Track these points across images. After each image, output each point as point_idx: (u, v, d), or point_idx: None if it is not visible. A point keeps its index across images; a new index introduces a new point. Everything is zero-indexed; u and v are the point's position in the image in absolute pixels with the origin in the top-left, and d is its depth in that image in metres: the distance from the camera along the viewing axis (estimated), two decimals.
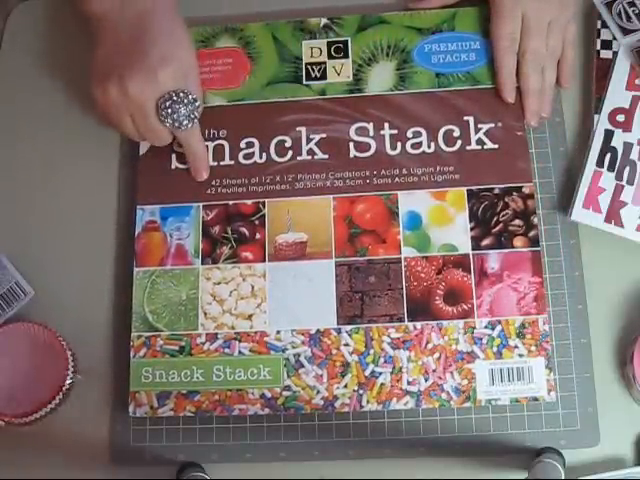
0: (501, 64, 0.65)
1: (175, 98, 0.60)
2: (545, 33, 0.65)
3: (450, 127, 0.65)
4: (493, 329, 0.60)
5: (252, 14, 0.71)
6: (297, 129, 0.66)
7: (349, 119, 0.66)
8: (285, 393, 0.61)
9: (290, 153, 0.66)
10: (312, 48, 0.68)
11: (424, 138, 0.65)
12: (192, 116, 0.62)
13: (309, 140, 0.66)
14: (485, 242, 0.62)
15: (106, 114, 0.63)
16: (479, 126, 0.65)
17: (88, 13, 0.64)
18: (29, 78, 0.72)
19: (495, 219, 0.63)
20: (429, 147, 0.65)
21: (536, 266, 0.61)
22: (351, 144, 0.66)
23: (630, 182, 0.63)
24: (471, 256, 0.62)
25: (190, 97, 0.61)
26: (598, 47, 0.67)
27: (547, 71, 0.65)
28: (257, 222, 0.64)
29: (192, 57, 0.63)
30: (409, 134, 0.65)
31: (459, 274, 0.62)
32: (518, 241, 0.62)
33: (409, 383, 0.60)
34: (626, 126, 0.64)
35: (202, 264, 0.64)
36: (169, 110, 0.60)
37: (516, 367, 0.60)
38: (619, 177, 0.63)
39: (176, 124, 0.61)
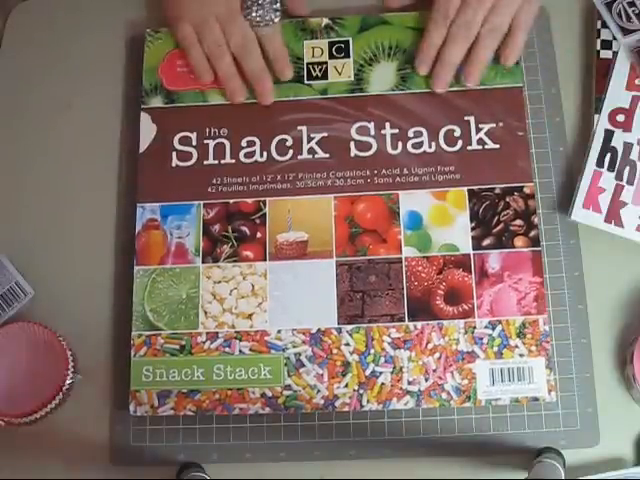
0: (425, 35, 0.66)
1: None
2: (486, 8, 0.64)
3: (451, 127, 0.65)
4: (493, 329, 0.60)
5: None
6: (298, 128, 0.66)
7: (350, 118, 0.66)
8: (286, 392, 0.61)
9: (291, 152, 0.66)
10: (313, 48, 0.68)
11: (425, 138, 0.65)
12: (276, 10, 0.65)
13: (310, 139, 0.66)
14: (486, 242, 0.62)
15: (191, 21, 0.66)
16: (480, 126, 0.65)
17: None
18: (29, 78, 0.72)
19: (496, 219, 0.63)
20: (430, 147, 0.65)
21: (536, 266, 0.61)
22: (352, 143, 0.66)
23: (630, 182, 0.63)
24: (472, 256, 0.62)
25: None
26: (598, 47, 0.67)
27: (479, 45, 0.65)
28: (258, 221, 0.64)
29: None
30: (410, 134, 0.65)
31: (460, 274, 0.62)
32: (519, 241, 0.62)
33: (409, 383, 0.60)
34: (626, 126, 0.65)
35: (202, 263, 0.64)
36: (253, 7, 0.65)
37: (516, 367, 0.60)
38: (619, 177, 0.63)
39: (261, 18, 0.64)
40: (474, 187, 0.64)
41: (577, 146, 0.66)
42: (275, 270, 0.63)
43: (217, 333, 0.62)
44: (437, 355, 0.60)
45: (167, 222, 0.65)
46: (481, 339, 0.60)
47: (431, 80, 0.66)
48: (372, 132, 0.66)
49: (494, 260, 0.62)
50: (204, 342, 0.62)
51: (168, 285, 0.63)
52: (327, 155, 0.65)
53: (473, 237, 0.62)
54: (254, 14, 0.65)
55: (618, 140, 0.64)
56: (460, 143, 0.65)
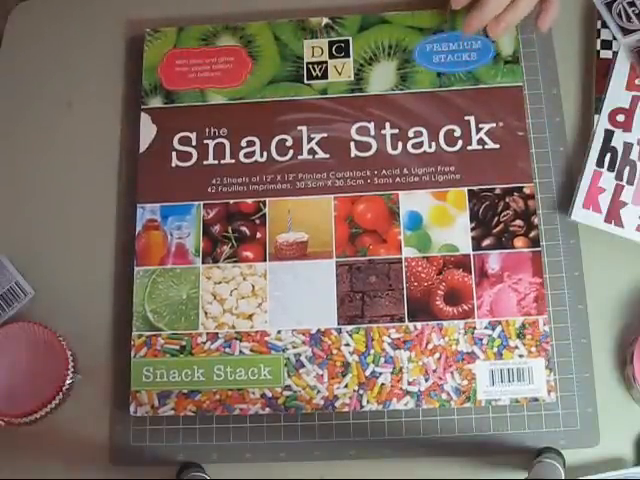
0: None
1: None
2: None
3: (451, 127, 0.65)
4: (493, 330, 0.60)
5: (253, 13, 0.71)
6: (298, 128, 0.66)
7: (350, 118, 0.66)
8: (286, 393, 0.61)
9: (291, 152, 0.66)
10: (313, 47, 0.68)
11: (425, 138, 0.65)
12: None
13: (310, 139, 0.66)
14: (486, 242, 0.62)
15: None
16: (480, 126, 0.65)
17: None
18: (29, 78, 0.72)
19: (496, 219, 0.63)
20: (430, 147, 0.65)
21: (536, 267, 0.61)
22: (352, 144, 0.66)
23: (630, 182, 0.63)
24: (472, 256, 0.62)
25: None
26: (598, 47, 0.67)
27: (520, 3, 0.63)
28: (258, 221, 0.64)
29: None
30: (410, 134, 0.65)
31: (460, 274, 0.62)
32: (519, 241, 0.62)
33: (409, 383, 0.60)
34: (626, 126, 0.65)
35: (203, 263, 0.64)
36: None
37: (516, 368, 0.60)
38: (619, 177, 0.63)
39: None
40: (474, 187, 0.64)
41: (577, 146, 0.66)
42: (275, 270, 0.63)
43: (217, 334, 0.62)
44: (437, 355, 0.60)
45: (167, 222, 0.65)
46: (481, 340, 0.60)
47: (466, 20, 0.65)
48: (372, 132, 0.66)
49: (494, 260, 0.62)
50: (204, 343, 0.62)
51: (168, 286, 0.63)
52: (327, 155, 0.65)
53: (473, 237, 0.62)
54: None
55: (618, 140, 0.64)
56: (460, 143, 0.65)
